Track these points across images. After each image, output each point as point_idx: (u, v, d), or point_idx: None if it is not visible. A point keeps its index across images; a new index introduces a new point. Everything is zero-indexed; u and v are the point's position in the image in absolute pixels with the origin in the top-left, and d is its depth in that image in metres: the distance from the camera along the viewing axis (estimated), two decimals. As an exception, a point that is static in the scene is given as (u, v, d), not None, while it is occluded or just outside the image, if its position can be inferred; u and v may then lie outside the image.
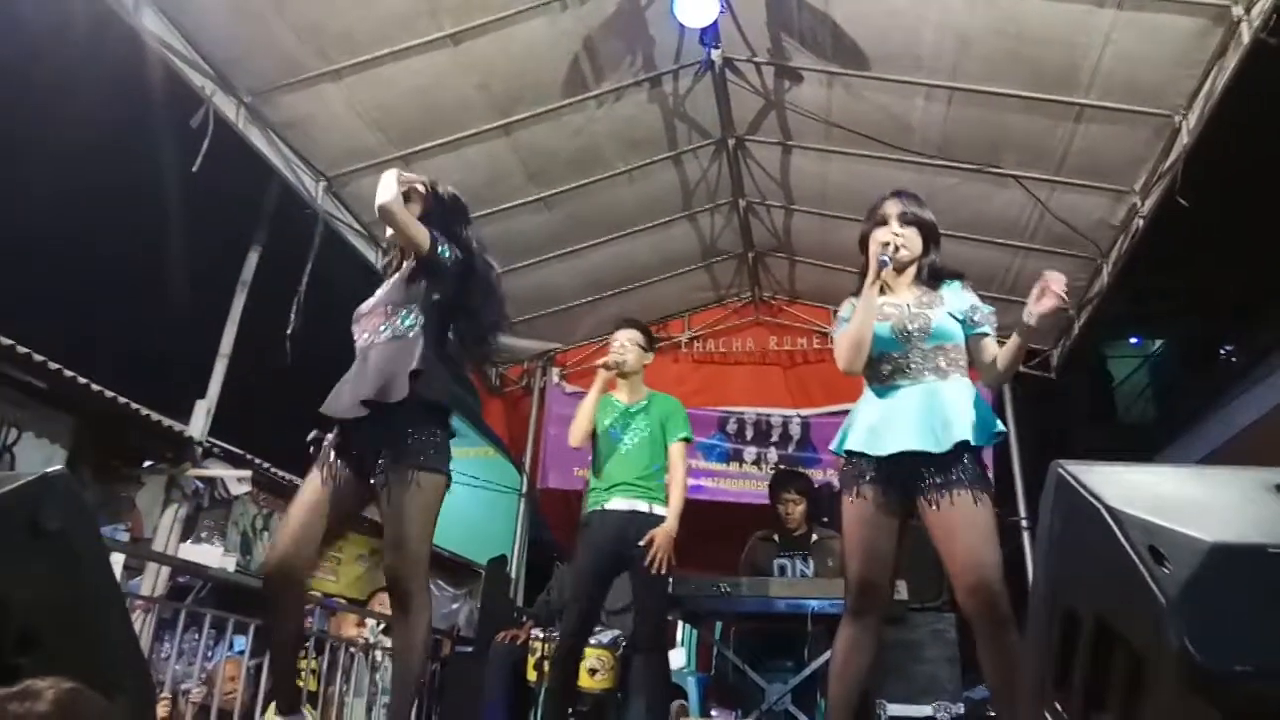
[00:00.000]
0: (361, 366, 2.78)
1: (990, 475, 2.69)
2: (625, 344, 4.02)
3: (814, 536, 4.92)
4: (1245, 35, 3.93)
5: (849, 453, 2.72)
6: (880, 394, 2.72)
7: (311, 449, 2.81)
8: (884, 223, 2.81)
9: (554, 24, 4.70)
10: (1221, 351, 12.24)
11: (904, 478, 2.59)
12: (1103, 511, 1.27)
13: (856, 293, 2.79)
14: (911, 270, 2.83)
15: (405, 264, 2.95)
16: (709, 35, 4.72)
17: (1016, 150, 5.14)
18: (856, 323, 2.68)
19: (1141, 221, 5.18)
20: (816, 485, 5.74)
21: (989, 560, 2.42)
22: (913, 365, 2.68)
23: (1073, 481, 1.36)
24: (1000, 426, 2.64)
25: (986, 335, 2.73)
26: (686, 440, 3.97)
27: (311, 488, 2.73)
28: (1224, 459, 9.21)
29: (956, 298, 2.76)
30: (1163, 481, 1.35)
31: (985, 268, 6.09)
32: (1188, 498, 1.30)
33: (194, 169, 4.40)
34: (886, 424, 2.64)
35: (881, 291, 2.77)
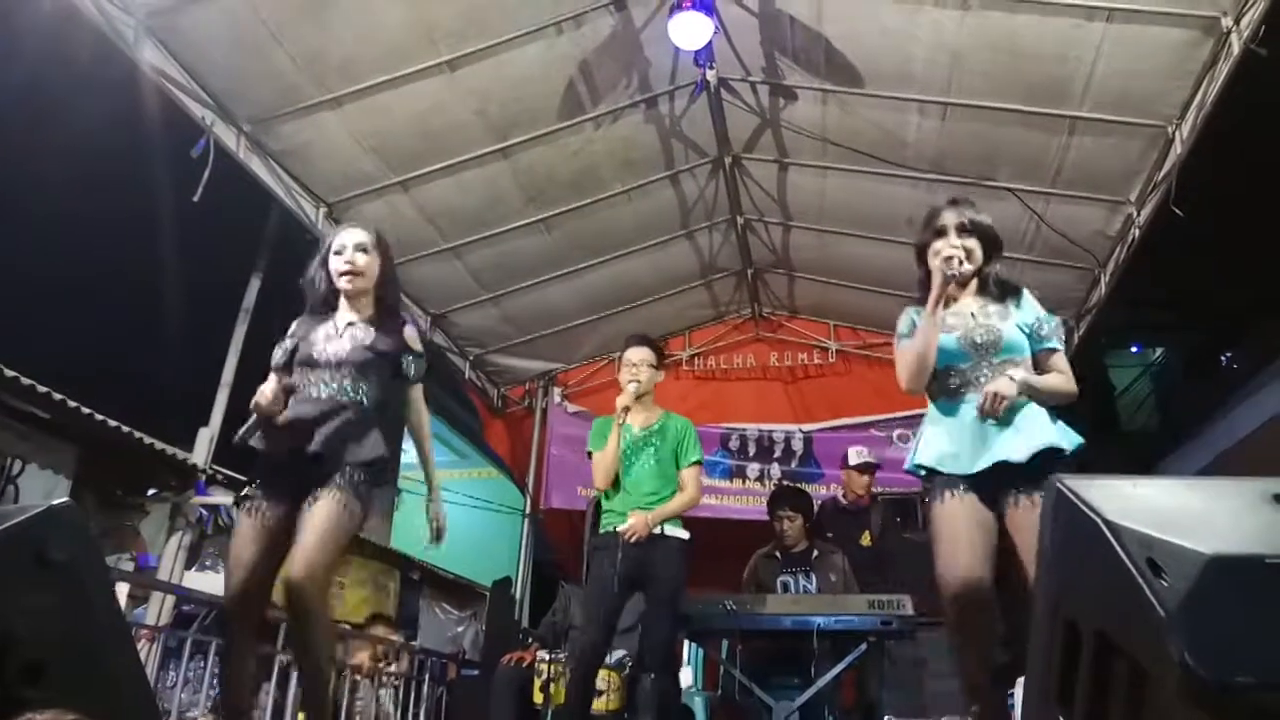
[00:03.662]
0: (318, 419, 2.79)
1: None
2: (638, 365, 3.97)
3: (815, 552, 4.92)
4: (1235, 46, 3.96)
5: (928, 470, 2.63)
6: (949, 411, 2.63)
7: (246, 483, 2.87)
8: (942, 233, 2.72)
9: (550, 48, 4.74)
10: (1222, 359, 12.23)
11: (993, 490, 2.51)
12: (1101, 525, 1.27)
13: (920, 301, 2.70)
14: (974, 280, 2.74)
15: (372, 333, 2.95)
16: (703, 56, 4.76)
17: (1011, 163, 5.17)
18: (921, 343, 2.60)
19: (1138, 231, 5.20)
20: (819, 501, 5.74)
21: None
22: (982, 379, 2.59)
23: (1071, 496, 1.36)
24: (1077, 439, 2.55)
25: (1056, 350, 2.67)
26: (699, 463, 3.98)
27: (245, 535, 2.76)
28: (1228, 465, 9.18)
29: (1022, 310, 2.69)
30: (1160, 494, 1.35)
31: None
32: (1185, 509, 1.30)
33: (195, 198, 4.42)
34: (964, 443, 2.55)
35: (945, 304, 2.68)
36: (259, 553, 2.74)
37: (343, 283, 2.96)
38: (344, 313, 3.00)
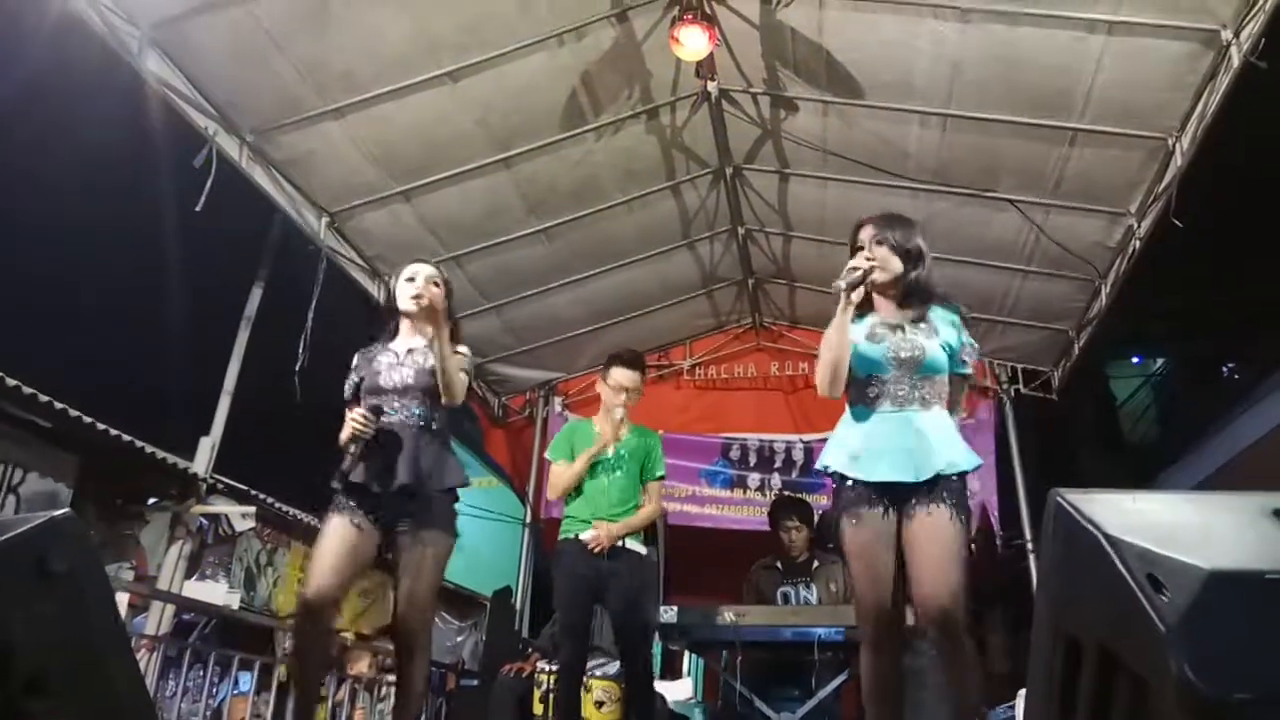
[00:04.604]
0: (399, 446, 2.98)
1: (974, 499, 2.75)
2: (631, 391, 4.03)
3: (815, 563, 4.92)
4: (1235, 59, 3.96)
5: (836, 475, 2.76)
6: (862, 417, 2.75)
7: (335, 493, 2.99)
8: (858, 249, 2.83)
9: (552, 59, 4.75)
10: (1224, 369, 12.23)
11: (893, 500, 2.63)
12: (1101, 540, 1.27)
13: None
14: (898, 289, 2.81)
15: (430, 356, 3.07)
16: (705, 67, 4.77)
17: (1012, 174, 5.18)
18: (830, 351, 2.69)
19: (1138, 243, 5.20)
20: (820, 511, 5.74)
21: (952, 581, 2.48)
22: (900, 393, 2.71)
23: (1071, 510, 1.36)
24: (978, 460, 2.72)
25: (966, 376, 2.84)
26: (662, 479, 4.10)
27: (340, 534, 2.91)
28: (1230, 476, 9.17)
29: (950, 331, 2.79)
30: (1161, 508, 1.35)
31: (984, 291, 6.13)
32: (1186, 524, 1.30)
33: (197, 208, 4.44)
34: (870, 451, 2.68)
35: (873, 310, 2.82)
36: (346, 560, 2.90)
37: (409, 304, 3.10)
38: (404, 340, 3.16)
